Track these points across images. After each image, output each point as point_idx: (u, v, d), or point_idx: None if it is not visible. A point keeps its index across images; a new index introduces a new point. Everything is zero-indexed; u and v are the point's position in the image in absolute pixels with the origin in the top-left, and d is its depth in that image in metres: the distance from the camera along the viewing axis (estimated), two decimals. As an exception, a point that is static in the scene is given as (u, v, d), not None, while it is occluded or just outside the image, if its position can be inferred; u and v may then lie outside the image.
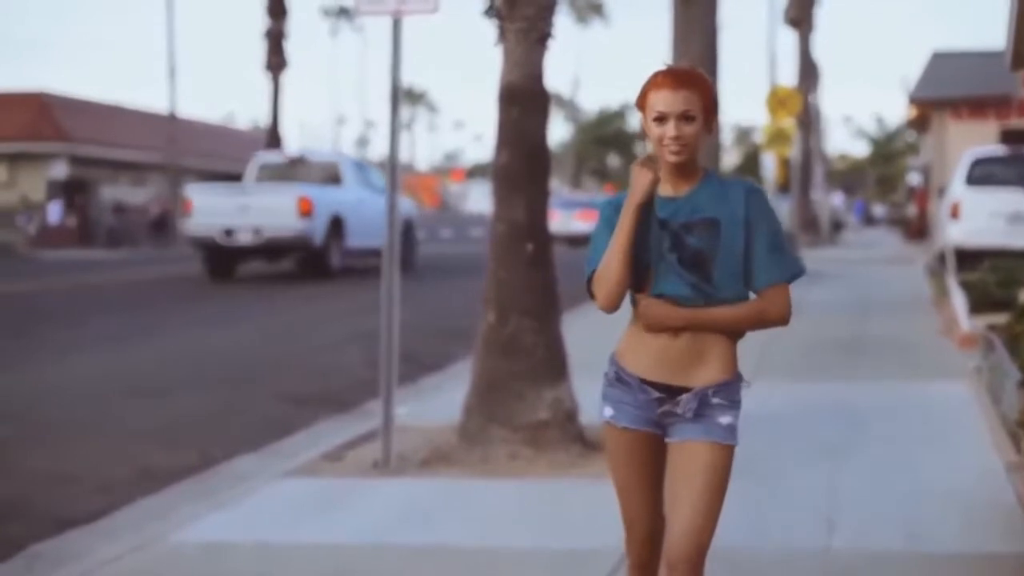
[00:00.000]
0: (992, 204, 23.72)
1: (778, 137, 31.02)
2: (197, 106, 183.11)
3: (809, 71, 40.23)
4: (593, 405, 9.59)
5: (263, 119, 52.18)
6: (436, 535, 7.11)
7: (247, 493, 8.22)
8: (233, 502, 7.98)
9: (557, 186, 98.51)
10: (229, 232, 26.44)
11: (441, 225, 71.81)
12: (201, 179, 55.71)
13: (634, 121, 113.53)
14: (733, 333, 4.24)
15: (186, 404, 12.02)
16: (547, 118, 9.35)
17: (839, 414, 10.04)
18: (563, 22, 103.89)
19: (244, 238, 26.42)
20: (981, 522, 6.98)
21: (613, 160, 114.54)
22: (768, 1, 36.24)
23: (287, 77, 67.77)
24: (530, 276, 9.14)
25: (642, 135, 4.25)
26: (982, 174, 24.52)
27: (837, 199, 65.76)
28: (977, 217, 23.62)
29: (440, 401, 11.10)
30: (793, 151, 33.64)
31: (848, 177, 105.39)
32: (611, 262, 4.14)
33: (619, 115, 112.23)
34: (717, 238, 4.15)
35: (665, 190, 4.22)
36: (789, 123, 31.28)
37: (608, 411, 4.36)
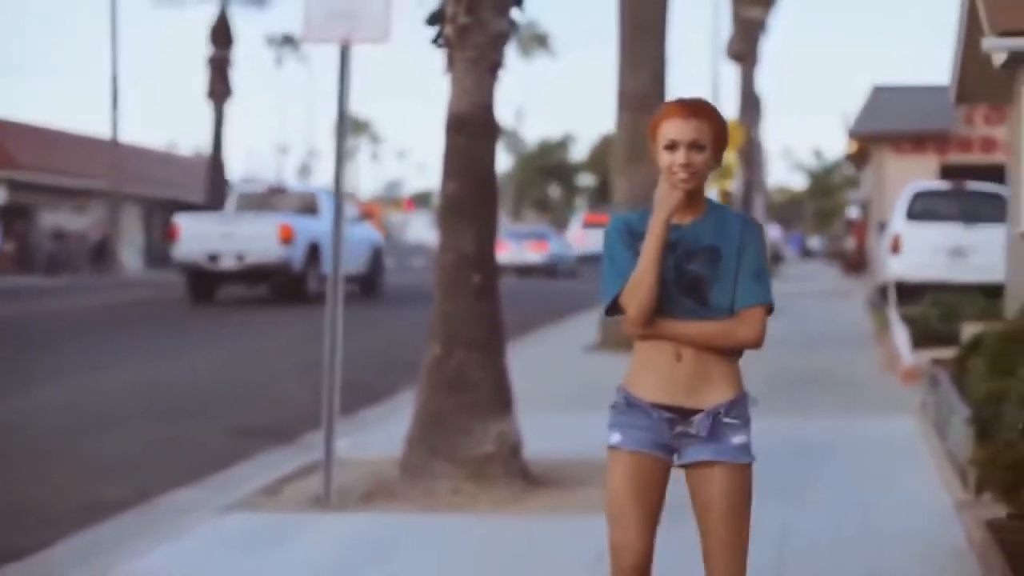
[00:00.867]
0: (933, 238, 23.81)
1: (720, 170, 31.09)
2: (140, 132, 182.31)
3: (752, 104, 40.41)
4: (537, 439, 9.56)
5: (206, 146, 51.85)
6: (380, 575, 6.95)
7: (187, 528, 8.03)
8: (172, 537, 7.79)
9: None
10: (213, 257, 27.83)
11: (384, 255, 71.56)
12: (143, 206, 55.38)
13: (576, 152, 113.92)
14: (725, 351, 4.32)
15: (132, 436, 11.81)
16: (495, 148, 9.26)
17: (786, 450, 9.94)
18: (508, 55, 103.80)
19: (228, 263, 27.83)
20: (934, 564, 6.88)
21: (554, 191, 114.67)
22: (712, 35, 36.28)
23: (232, 104, 67.38)
24: (477, 308, 9.02)
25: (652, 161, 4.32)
26: (923, 208, 24.63)
27: (775, 232, 66.09)
28: (918, 251, 23.71)
29: (383, 433, 10.93)
30: (734, 184, 33.74)
31: (786, 210, 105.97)
32: (645, 276, 4.24)
33: (561, 146, 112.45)
34: (718, 266, 4.29)
35: (673, 219, 4.31)
36: (731, 156, 31.36)
37: (615, 437, 4.37)
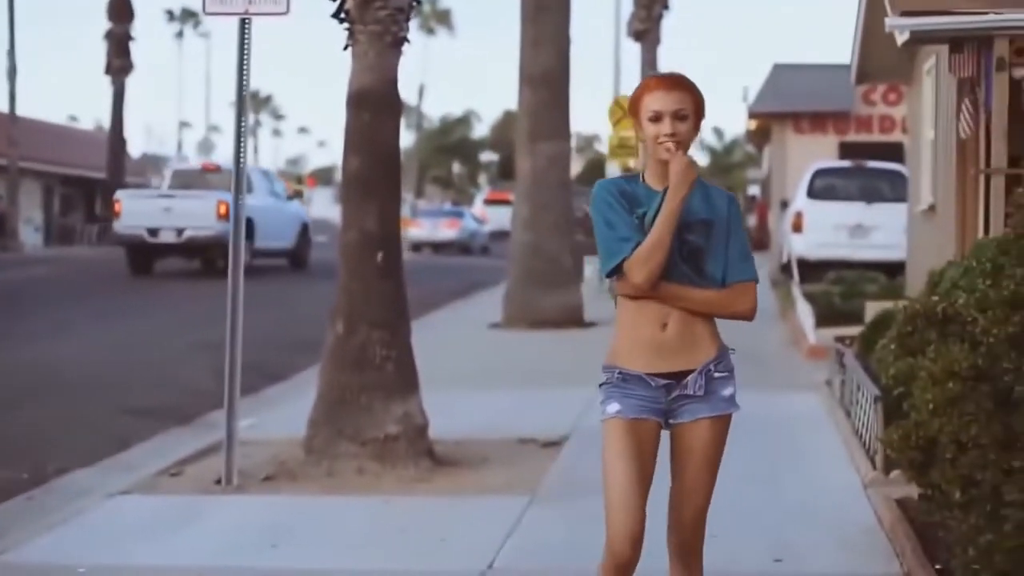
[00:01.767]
0: (834, 216, 23.93)
1: (621, 147, 31.09)
2: (39, 107, 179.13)
3: (654, 82, 40.46)
4: (442, 418, 9.45)
5: (107, 121, 51.03)
6: (282, 558, 6.80)
7: (81, 511, 7.83)
8: (66, 521, 7.59)
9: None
10: (153, 232, 29.12)
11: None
12: (43, 181, 54.46)
13: (479, 130, 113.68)
14: (713, 316, 4.56)
15: (26, 417, 11.54)
16: (399, 124, 9.11)
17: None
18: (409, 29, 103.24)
19: (167, 237, 29.09)
20: (845, 542, 6.84)
21: (456, 168, 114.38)
22: (615, 13, 36.25)
23: (133, 79, 66.47)
24: (380, 286, 8.88)
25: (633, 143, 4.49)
26: (824, 187, 24.75)
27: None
28: (820, 229, 23.81)
29: (289, 412, 10.72)
30: (637, 161, 33.76)
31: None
32: (659, 247, 4.42)
33: (463, 123, 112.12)
34: (711, 237, 4.51)
35: (657, 187, 4.52)
36: (631, 134, 31.38)
37: (613, 407, 4.57)
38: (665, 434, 4.64)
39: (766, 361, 13.56)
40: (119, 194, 31.63)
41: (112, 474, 8.95)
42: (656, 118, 4.46)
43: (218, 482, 8.45)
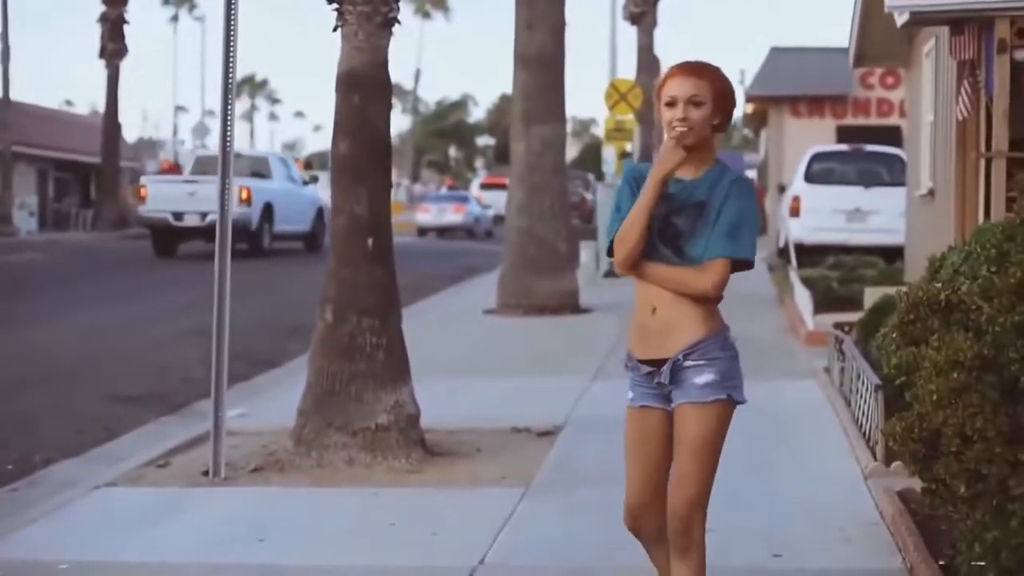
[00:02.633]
0: (832, 201, 23.78)
1: (617, 130, 30.90)
2: (35, 92, 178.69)
3: (650, 66, 40.23)
4: (435, 407, 9.28)
5: (102, 106, 50.79)
6: (268, 554, 6.63)
7: (65, 504, 7.66)
8: (49, 514, 7.43)
9: (396, 179, 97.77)
10: (178, 216, 30.50)
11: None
12: (37, 166, 54.26)
13: (476, 113, 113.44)
14: (692, 297, 4.51)
15: (15, 404, 11.37)
16: (390, 107, 8.93)
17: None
18: (405, 14, 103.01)
19: (191, 221, 30.36)
20: (845, 536, 6.67)
21: (453, 152, 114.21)
22: (611, -3, 35.98)
23: (128, 64, 66.24)
24: (370, 273, 8.71)
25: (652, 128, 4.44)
26: (822, 170, 24.60)
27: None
28: (818, 214, 23.66)
29: (280, 399, 10.51)
30: (633, 144, 33.55)
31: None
32: (633, 226, 4.50)
33: (459, 107, 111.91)
34: (699, 219, 4.50)
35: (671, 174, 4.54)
36: (628, 117, 31.16)
37: (629, 395, 4.69)
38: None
39: (764, 348, 13.39)
40: (144, 179, 33.62)
41: (99, 465, 8.80)
42: (671, 103, 4.53)
43: (206, 473, 8.29)
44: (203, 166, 33.21)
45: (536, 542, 6.76)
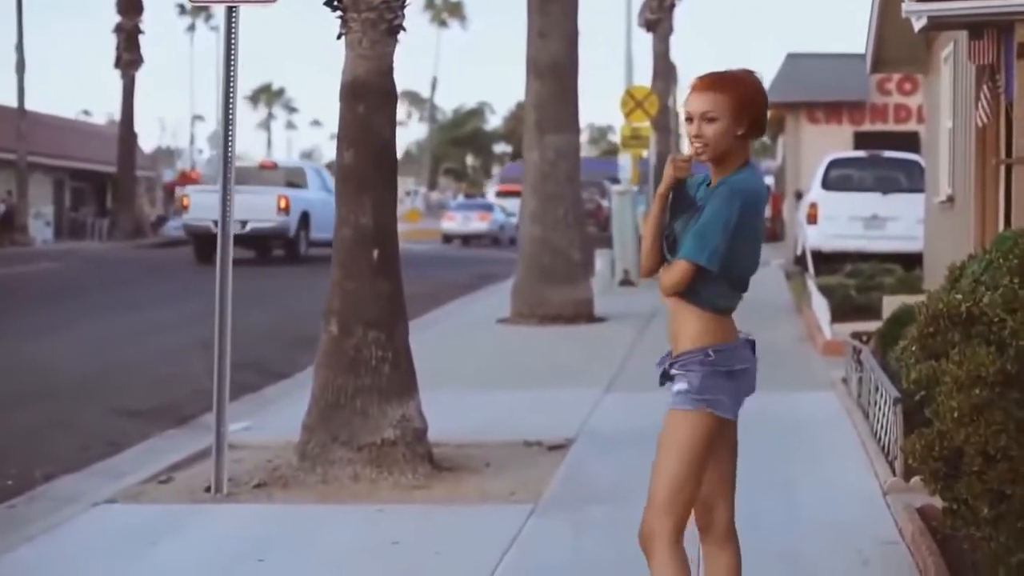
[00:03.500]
0: (850, 207, 23.59)
1: (634, 138, 30.73)
2: (53, 102, 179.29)
3: (666, 73, 40.05)
4: (443, 420, 9.09)
5: (118, 115, 50.86)
6: (268, 574, 6.45)
7: (63, 521, 7.48)
8: (46, 532, 7.25)
9: (413, 187, 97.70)
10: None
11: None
12: (53, 175, 54.31)
13: (493, 121, 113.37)
14: (692, 305, 4.51)
15: (19, 417, 11.19)
16: (395, 115, 8.74)
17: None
18: (421, 23, 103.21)
19: (233, 229, 31.01)
20: (863, 556, 6.46)
21: (470, 160, 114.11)
22: (626, 3, 35.79)
23: (144, 73, 66.32)
24: (375, 284, 8.52)
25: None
26: (839, 177, 24.42)
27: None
28: (835, 220, 23.47)
29: (288, 412, 10.29)
30: (649, 152, 33.36)
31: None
32: (644, 237, 4.67)
33: (476, 113, 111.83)
34: (690, 222, 4.50)
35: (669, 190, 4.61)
36: (644, 124, 31.00)
37: None
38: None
39: (781, 357, 13.16)
40: (187, 189, 35.33)
41: (101, 480, 8.63)
42: (689, 119, 4.55)
43: (208, 489, 8.11)
44: (241, 176, 33.49)
45: (543, 562, 6.57)
